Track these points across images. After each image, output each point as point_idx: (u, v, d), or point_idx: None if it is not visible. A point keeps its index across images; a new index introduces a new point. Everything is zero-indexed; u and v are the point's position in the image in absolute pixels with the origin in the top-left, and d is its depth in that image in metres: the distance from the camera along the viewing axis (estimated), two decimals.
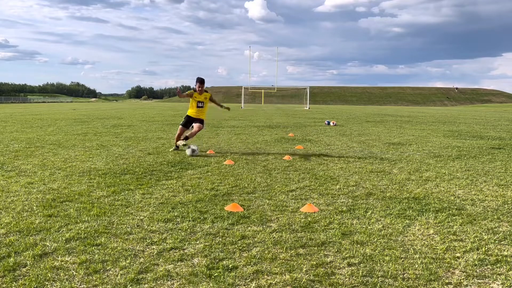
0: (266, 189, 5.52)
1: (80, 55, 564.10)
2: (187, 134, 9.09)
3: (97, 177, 6.14)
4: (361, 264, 3.14)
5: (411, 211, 4.58)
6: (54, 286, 2.75)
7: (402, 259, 3.27)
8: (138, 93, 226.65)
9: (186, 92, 9.31)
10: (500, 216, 4.43)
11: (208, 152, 8.91)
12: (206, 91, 9.31)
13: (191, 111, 9.29)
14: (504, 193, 5.49)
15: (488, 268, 3.13)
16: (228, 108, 10.51)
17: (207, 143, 10.72)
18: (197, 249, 3.39)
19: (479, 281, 2.92)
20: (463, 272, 3.05)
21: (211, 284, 2.79)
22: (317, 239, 3.65)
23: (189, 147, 8.47)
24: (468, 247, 3.52)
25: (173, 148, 9.23)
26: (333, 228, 3.96)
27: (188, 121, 9.28)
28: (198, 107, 9.22)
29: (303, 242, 3.59)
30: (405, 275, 2.98)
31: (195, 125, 9.17)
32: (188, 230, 3.85)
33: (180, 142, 8.95)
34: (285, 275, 2.94)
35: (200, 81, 9.10)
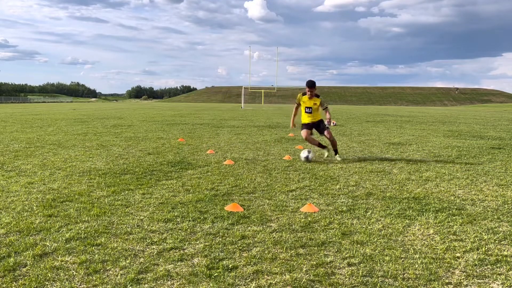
0: (266, 189, 5.52)
1: (80, 55, 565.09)
2: (327, 147, 8.51)
3: (97, 177, 6.14)
4: (361, 264, 3.14)
5: (411, 211, 4.58)
6: (54, 286, 2.75)
7: (402, 259, 3.27)
8: (138, 93, 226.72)
9: (296, 103, 8.57)
10: (500, 216, 4.43)
11: (208, 152, 8.91)
12: (317, 96, 8.29)
13: (304, 119, 8.39)
14: (504, 193, 5.49)
15: (488, 268, 3.13)
16: (334, 123, 8.97)
17: (207, 143, 10.72)
18: (197, 249, 3.39)
19: (479, 281, 2.92)
20: (463, 272, 3.05)
21: (211, 284, 2.79)
22: (317, 239, 3.65)
23: (309, 151, 8.02)
24: (468, 247, 3.53)
25: (325, 152, 8.43)
26: (333, 228, 3.96)
27: (309, 126, 8.41)
28: (306, 112, 8.31)
29: (303, 242, 3.59)
30: (405, 275, 2.98)
31: (326, 134, 8.24)
32: (188, 230, 3.85)
33: (325, 153, 8.41)
34: (285, 275, 2.94)
35: (309, 84, 8.13)
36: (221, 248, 3.42)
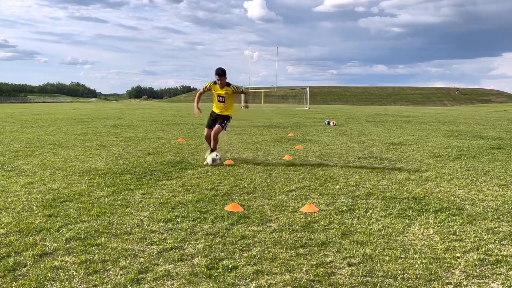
0: (266, 189, 5.52)
1: (79, 55, 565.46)
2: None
3: (97, 177, 6.14)
4: (361, 264, 3.14)
5: (411, 211, 4.58)
6: (54, 286, 2.75)
7: (402, 259, 3.27)
8: (138, 93, 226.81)
9: (202, 89, 7.98)
10: (500, 216, 4.44)
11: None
12: (228, 85, 7.75)
13: (214, 106, 7.94)
14: (504, 193, 5.49)
15: (488, 268, 3.13)
16: (246, 106, 8.60)
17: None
18: (197, 249, 3.39)
19: (479, 281, 2.92)
20: (463, 272, 3.05)
21: (211, 284, 2.79)
22: (317, 239, 3.65)
23: (210, 154, 7.40)
24: (468, 247, 3.53)
25: (208, 155, 7.61)
26: (333, 228, 3.96)
27: (213, 120, 7.93)
28: (219, 101, 7.83)
29: (303, 242, 3.59)
30: (405, 275, 2.98)
31: (214, 128, 7.75)
32: (188, 230, 3.85)
33: (208, 159, 7.46)
34: (285, 275, 2.94)
35: (218, 73, 7.57)
36: (221, 248, 3.42)
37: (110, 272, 2.96)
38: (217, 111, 7.89)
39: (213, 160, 7.31)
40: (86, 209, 4.45)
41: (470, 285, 2.85)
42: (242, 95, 8.20)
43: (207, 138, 7.92)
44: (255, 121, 20.71)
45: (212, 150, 7.68)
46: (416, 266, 3.13)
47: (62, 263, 3.08)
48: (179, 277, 2.90)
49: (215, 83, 7.69)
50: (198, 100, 8.04)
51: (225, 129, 7.88)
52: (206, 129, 7.97)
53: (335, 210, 4.57)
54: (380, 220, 4.25)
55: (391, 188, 5.69)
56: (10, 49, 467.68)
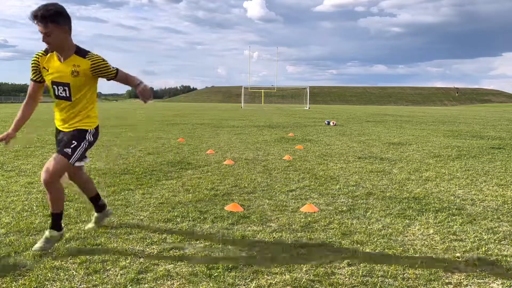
0: (266, 189, 5.52)
1: None
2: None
3: (97, 177, 6.14)
4: (361, 264, 3.14)
5: (411, 211, 4.58)
6: (54, 286, 2.75)
7: (402, 259, 3.27)
8: None
9: (31, 78, 3.47)
10: (500, 216, 4.43)
11: (208, 152, 8.91)
12: (82, 54, 3.29)
13: (56, 118, 3.62)
14: (504, 193, 5.49)
15: (488, 268, 3.13)
16: (144, 100, 3.38)
17: (207, 143, 10.71)
18: (197, 249, 3.39)
19: (479, 281, 2.92)
20: (463, 272, 3.05)
21: (211, 284, 2.79)
22: (317, 239, 3.65)
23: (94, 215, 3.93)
24: (468, 247, 3.53)
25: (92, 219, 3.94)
26: (333, 228, 3.96)
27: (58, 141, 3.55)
28: (59, 98, 3.41)
29: (303, 242, 3.59)
30: (405, 275, 2.98)
31: (47, 165, 3.33)
32: (188, 230, 3.85)
33: (90, 223, 3.94)
34: (285, 275, 2.94)
35: (36, 14, 3.16)
36: (221, 248, 3.42)
37: (110, 272, 2.96)
38: (58, 123, 3.58)
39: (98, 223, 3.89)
40: (86, 209, 4.45)
41: (470, 285, 2.85)
42: (138, 85, 3.44)
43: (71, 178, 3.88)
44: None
45: (96, 205, 3.95)
46: (416, 266, 3.13)
47: (62, 263, 3.08)
48: (179, 277, 2.90)
49: (46, 52, 3.38)
50: (23, 112, 3.72)
51: (77, 158, 3.42)
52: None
53: (335, 210, 4.57)
54: (380, 220, 4.25)
55: (391, 188, 5.69)
56: (10, 49, 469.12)
